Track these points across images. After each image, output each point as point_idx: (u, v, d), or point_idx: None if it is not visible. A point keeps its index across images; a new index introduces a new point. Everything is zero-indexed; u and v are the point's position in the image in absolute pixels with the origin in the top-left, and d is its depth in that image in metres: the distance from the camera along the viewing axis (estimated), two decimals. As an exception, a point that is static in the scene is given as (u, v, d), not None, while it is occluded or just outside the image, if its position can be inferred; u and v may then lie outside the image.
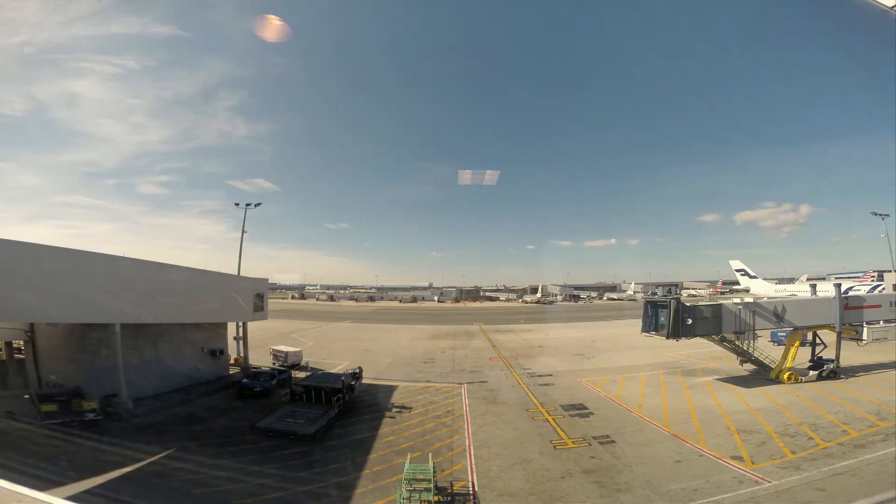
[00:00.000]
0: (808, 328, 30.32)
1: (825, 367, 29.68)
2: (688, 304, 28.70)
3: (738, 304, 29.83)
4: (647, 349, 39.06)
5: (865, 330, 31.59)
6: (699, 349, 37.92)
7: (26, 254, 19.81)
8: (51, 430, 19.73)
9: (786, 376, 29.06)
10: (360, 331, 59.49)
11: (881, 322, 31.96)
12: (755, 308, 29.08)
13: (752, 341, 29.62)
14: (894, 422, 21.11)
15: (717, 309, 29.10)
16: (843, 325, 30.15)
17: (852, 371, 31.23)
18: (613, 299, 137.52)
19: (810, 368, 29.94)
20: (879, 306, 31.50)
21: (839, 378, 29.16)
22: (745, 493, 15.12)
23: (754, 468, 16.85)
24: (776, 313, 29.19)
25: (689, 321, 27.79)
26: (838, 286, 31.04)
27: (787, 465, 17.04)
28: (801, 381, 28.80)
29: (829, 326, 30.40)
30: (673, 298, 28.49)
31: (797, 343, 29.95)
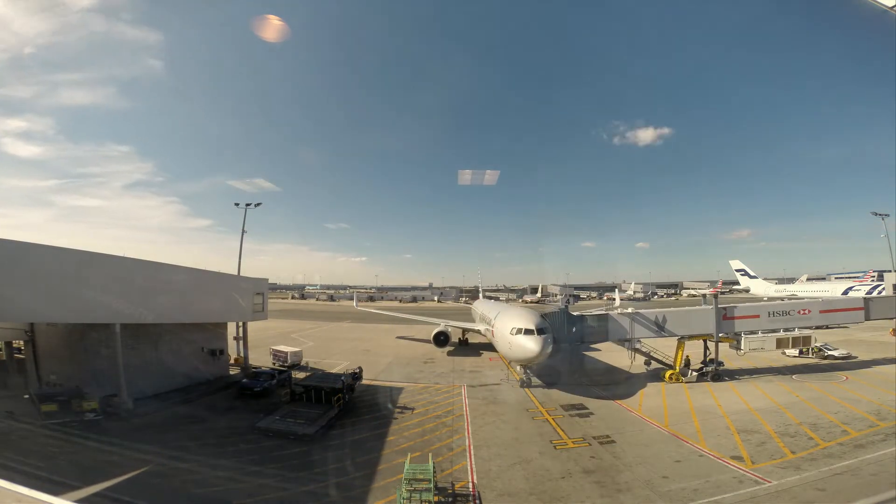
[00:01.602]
0: (689, 337, 31.59)
1: (705, 371, 31.01)
2: (574, 314, 32.37)
3: (622, 313, 31.93)
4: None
5: (743, 340, 32.66)
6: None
7: (26, 254, 19.81)
8: (51, 430, 19.72)
9: (667, 375, 30.79)
10: (360, 331, 59.44)
11: (759, 332, 33.01)
12: (636, 317, 31.05)
13: (637, 347, 31.49)
14: (894, 422, 21.11)
15: (604, 318, 31.38)
16: (723, 334, 31.65)
17: (735, 373, 32.45)
18: (612, 299, 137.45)
19: (698, 371, 31.21)
20: (757, 316, 32.58)
21: (722, 380, 30.45)
22: (746, 493, 15.11)
23: (754, 468, 16.85)
24: (657, 323, 30.95)
25: (574, 329, 30.74)
26: (715, 297, 32.28)
27: (787, 465, 17.04)
28: (681, 381, 30.30)
29: (708, 336, 31.51)
30: (561, 308, 32.00)
31: (682, 348, 31.59)
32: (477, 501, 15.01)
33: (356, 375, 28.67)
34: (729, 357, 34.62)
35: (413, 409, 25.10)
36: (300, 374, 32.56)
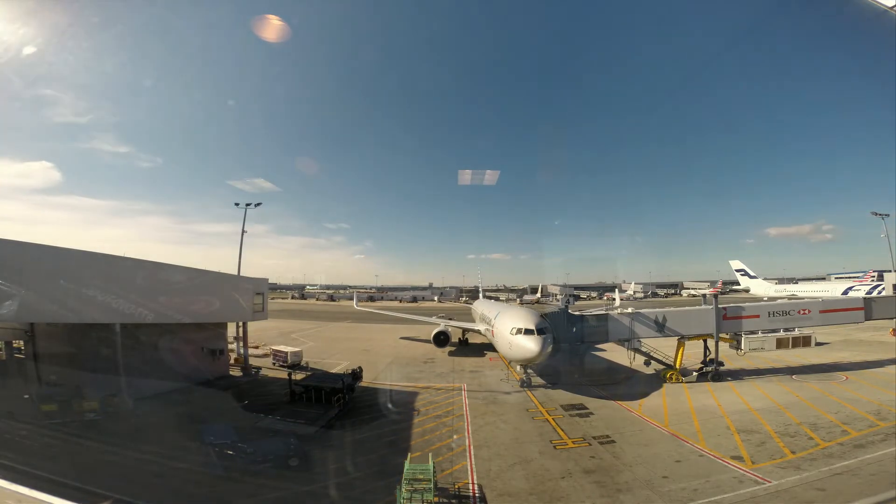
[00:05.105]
0: (689, 337, 31.59)
1: (705, 371, 30.91)
2: (575, 314, 32.29)
3: (622, 313, 31.90)
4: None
5: (743, 340, 32.35)
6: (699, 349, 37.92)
7: (26, 254, 19.81)
8: (51, 430, 19.70)
9: (668, 375, 30.69)
10: (359, 331, 59.41)
11: (759, 332, 32.61)
12: (636, 317, 30.96)
13: (637, 347, 31.36)
14: (894, 422, 21.11)
15: (604, 318, 31.38)
16: (723, 334, 31.58)
17: (735, 373, 32.26)
18: (612, 299, 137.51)
19: (698, 371, 31.13)
20: (758, 316, 32.38)
21: (723, 380, 30.27)
22: (746, 493, 15.12)
23: (754, 468, 16.86)
24: (657, 322, 30.83)
25: (574, 329, 30.65)
26: (715, 297, 32.27)
27: (787, 465, 17.05)
28: (682, 381, 30.11)
29: (708, 335, 31.49)
30: (561, 308, 31.60)
31: (682, 348, 31.44)
32: (477, 501, 15.01)
33: (356, 375, 28.67)
34: (729, 357, 34.62)
35: (413, 408, 25.10)
36: (300, 375, 32.56)
